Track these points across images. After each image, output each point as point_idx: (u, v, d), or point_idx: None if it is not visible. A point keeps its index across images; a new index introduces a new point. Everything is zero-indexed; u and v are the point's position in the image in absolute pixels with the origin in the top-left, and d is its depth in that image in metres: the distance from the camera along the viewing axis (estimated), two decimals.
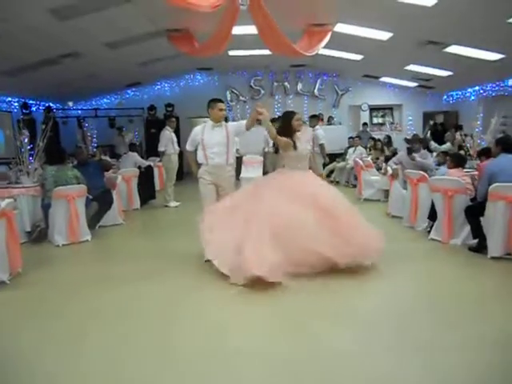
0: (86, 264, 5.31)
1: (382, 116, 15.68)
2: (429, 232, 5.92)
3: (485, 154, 6.29)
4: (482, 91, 12.35)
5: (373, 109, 15.41)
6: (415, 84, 14.00)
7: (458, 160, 5.94)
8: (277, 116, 11.40)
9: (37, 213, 6.31)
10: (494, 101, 11.30)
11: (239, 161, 10.08)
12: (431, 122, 12.93)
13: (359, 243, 4.26)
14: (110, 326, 3.45)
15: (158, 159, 10.09)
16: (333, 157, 11.07)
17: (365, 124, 14.12)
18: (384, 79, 14.45)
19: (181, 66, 13.14)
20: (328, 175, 5.90)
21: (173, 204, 8.95)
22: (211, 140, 5.08)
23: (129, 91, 15.22)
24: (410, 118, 15.26)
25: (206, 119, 5.39)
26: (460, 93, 13.78)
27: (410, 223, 6.40)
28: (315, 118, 9.45)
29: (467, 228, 5.31)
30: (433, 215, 5.79)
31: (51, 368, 2.86)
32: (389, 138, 11.30)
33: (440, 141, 10.57)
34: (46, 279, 4.63)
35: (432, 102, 14.97)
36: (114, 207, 7.07)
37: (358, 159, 9.67)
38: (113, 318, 3.62)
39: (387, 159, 8.71)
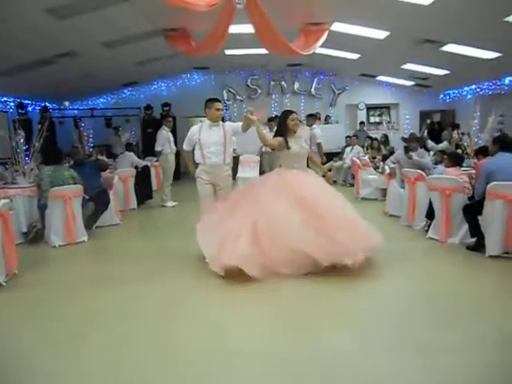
0: (83, 265, 5.29)
1: (379, 115, 15.70)
2: (426, 231, 5.93)
3: (482, 152, 6.29)
4: (478, 90, 12.38)
5: (370, 108, 15.43)
6: (412, 83, 14.02)
7: (455, 159, 5.95)
8: (274, 115, 11.40)
9: (33, 213, 6.28)
10: (490, 99, 11.33)
11: (236, 160, 10.05)
12: (428, 121, 12.94)
13: (344, 243, 4.19)
14: (109, 327, 3.44)
15: (155, 159, 10.05)
16: (330, 156, 11.06)
17: (362, 123, 14.13)
18: (381, 78, 14.46)
19: (177, 65, 13.11)
20: (323, 175, 5.93)
21: (170, 204, 8.93)
22: (208, 139, 5.07)
23: (125, 91, 15.17)
24: (407, 116, 15.28)
25: (203, 118, 5.37)
26: (457, 91, 13.80)
27: (408, 222, 6.40)
28: (312, 117, 9.44)
29: (465, 227, 5.30)
30: (430, 214, 5.79)
31: (51, 368, 2.85)
32: (386, 136, 11.30)
33: (437, 139, 10.58)
34: (42, 280, 4.60)
35: (429, 101, 14.99)
36: (111, 207, 7.04)
37: (355, 158, 9.67)
38: (112, 318, 3.60)
39: (385, 158, 8.71)
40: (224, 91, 15.07)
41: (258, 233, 4.33)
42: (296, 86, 15.15)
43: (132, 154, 9.50)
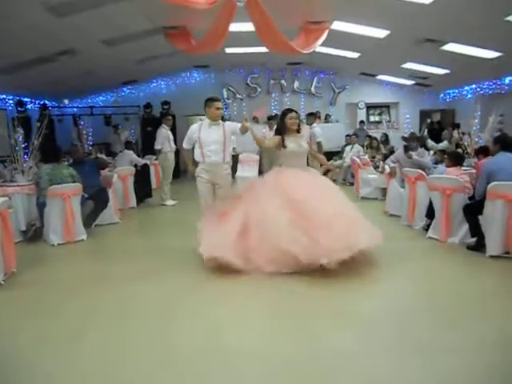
0: (82, 263, 5.27)
1: (379, 114, 15.70)
2: (426, 230, 5.93)
3: (482, 152, 6.28)
4: (478, 89, 12.36)
5: (370, 107, 15.42)
6: (412, 82, 14.00)
7: (455, 158, 5.93)
8: (274, 114, 11.38)
9: (32, 211, 6.26)
10: (490, 99, 11.31)
11: (235, 159, 10.04)
12: (428, 120, 12.93)
13: (323, 243, 4.15)
14: (108, 326, 3.42)
15: (155, 157, 10.03)
16: (330, 155, 11.03)
17: (362, 122, 14.12)
18: (381, 77, 14.44)
19: (177, 63, 13.08)
20: (325, 173, 5.94)
21: (169, 202, 8.91)
22: (208, 138, 5.10)
23: (125, 89, 15.14)
24: (407, 116, 15.26)
25: (203, 117, 5.37)
26: (457, 91, 13.79)
27: (408, 222, 6.38)
28: (312, 116, 9.43)
29: (465, 226, 5.29)
30: (430, 213, 5.77)
31: (49, 367, 2.83)
32: (386, 136, 11.27)
33: (437, 139, 10.57)
34: (41, 279, 4.58)
35: (429, 100, 14.98)
36: (110, 206, 7.02)
37: (355, 157, 9.66)
38: (111, 317, 3.59)
39: (385, 157, 8.69)
40: (224, 90, 15.04)
41: (249, 230, 4.48)
42: (296, 84, 15.13)
43: (131, 152, 9.47)
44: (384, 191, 8.18)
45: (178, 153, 9.34)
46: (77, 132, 12.95)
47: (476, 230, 5.06)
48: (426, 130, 11.95)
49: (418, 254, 5.17)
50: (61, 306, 3.84)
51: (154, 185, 10.66)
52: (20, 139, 6.56)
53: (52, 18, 7.23)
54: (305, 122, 9.26)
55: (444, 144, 9.93)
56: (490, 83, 11.69)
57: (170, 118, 9.54)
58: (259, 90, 15.17)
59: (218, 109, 5.15)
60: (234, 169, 8.06)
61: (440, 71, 11.82)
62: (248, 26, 8.23)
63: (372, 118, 15.63)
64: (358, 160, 9.35)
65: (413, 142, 7.31)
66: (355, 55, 11.78)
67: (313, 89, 15.14)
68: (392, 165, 7.31)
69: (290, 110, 5.05)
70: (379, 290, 4.15)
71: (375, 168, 9.15)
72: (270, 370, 2.72)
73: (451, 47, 9.45)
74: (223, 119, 5.67)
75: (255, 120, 14.26)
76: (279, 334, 3.22)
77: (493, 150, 5.34)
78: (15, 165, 6.47)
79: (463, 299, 3.78)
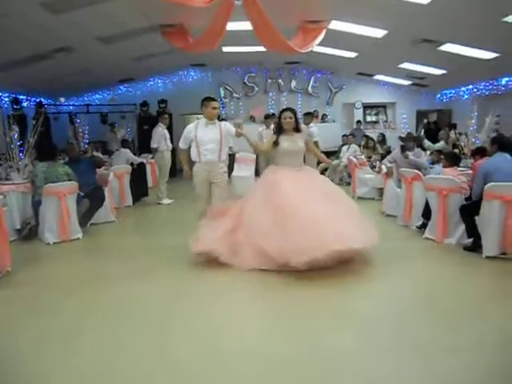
0: (78, 262, 5.23)
1: (376, 114, 15.70)
2: (419, 228, 5.98)
3: (479, 152, 6.27)
4: (475, 90, 12.39)
5: (366, 107, 15.42)
6: (409, 82, 14.02)
7: (452, 159, 5.93)
8: (271, 113, 11.37)
9: (27, 210, 6.21)
10: (487, 99, 11.33)
11: (232, 158, 10.01)
12: (425, 121, 12.94)
13: (296, 242, 4.17)
14: (104, 325, 3.40)
15: (151, 156, 9.99)
16: (327, 155, 10.98)
17: (358, 122, 14.12)
18: (378, 77, 14.45)
19: (174, 61, 13.05)
20: (321, 173, 6.00)
21: (166, 201, 8.88)
22: (204, 137, 5.15)
23: (121, 87, 15.09)
24: (404, 116, 15.28)
25: (200, 116, 5.41)
26: (453, 91, 13.81)
27: (405, 222, 6.38)
28: (310, 116, 9.41)
29: (462, 227, 5.29)
30: (427, 213, 5.77)
31: (46, 367, 2.82)
32: (383, 136, 11.28)
33: (433, 139, 10.58)
34: (36, 278, 4.55)
35: (426, 101, 15.01)
36: (106, 204, 6.99)
37: (351, 157, 9.65)
38: (107, 316, 3.57)
39: (382, 157, 8.69)
40: (221, 88, 15.01)
41: (240, 226, 4.66)
42: (293, 84, 15.12)
43: (128, 150, 9.44)
44: (381, 191, 8.18)
45: (174, 151, 9.31)
46: (73, 130, 12.89)
47: (472, 230, 5.06)
48: (423, 131, 11.96)
49: (415, 255, 5.17)
50: (57, 305, 3.82)
51: (150, 183, 10.62)
52: (15, 137, 6.51)
53: (48, 15, 7.19)
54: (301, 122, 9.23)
55: (441, 144, 9.94)
56: (487, 84, 11.72)
57: (167, 116, 9.52)
58: (256, 89, 15.15)
59: (215, 108, 5.23)
60: (230, 168, 8.04)
61: (437, 71, 11.84)
62: (245, 25, 8.21)
63: (369, 118, 15.64)
64: (354, 160, 9.34)
65: (409, 142, 7.33)
66: (352, 55, 11.78)
67: (310, 88, 15.13)
68: (389, 165, 7.31)
69: (285, 110, 5.10)
70: (377, 289, 4.15)
71: (372, 168, 9.16)
72: (269, 371, 2.71)
73: (448, 47, 9.46)
74: (220, 118, 5.68)
75: (252, 119, 14.25)
76: (278, 334, 3.21)
77: (490, 150, 5.34)
78: (10, 163, 6.43)
79: (461, 299, 3.78)
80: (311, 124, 9.07)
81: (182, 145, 5.37)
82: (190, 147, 5.32)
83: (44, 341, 3.16)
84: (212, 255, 4.60)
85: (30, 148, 6.58)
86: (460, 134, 8.78)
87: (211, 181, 5.18)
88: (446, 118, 14.15)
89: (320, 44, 9.79)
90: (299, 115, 11.66)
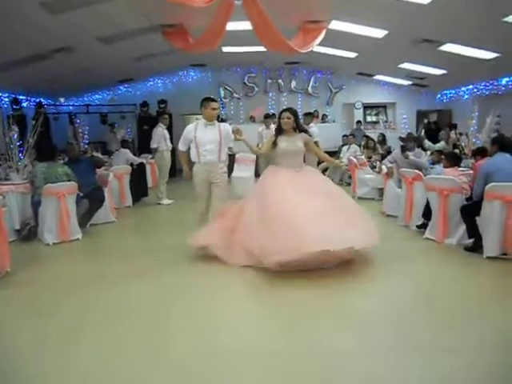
0: (77, 263, 5.21)
1: (376, 114, 15.69)
2: (419, 228, 5.98)
3: (480, 153, 6.26)
4: (475, 90, 12.37)
5: (366, 107, 15.40)
6: (409, 82, 14.01)
7: (453, 159, 5.92)
8: (271, 113, 11.37)
9: (26, 210, 6.19)
10: (487, 100, 11.32)
11: (232, 159, 10.00)
12: (425, 121, 12.92)
13: (281, 244, 4.17)
14: (103, 326, 3.38)
15: (151, 156, 9.98)
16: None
17: (359, 122, 14.11)
18: (378, 77, 14.44)
19: (174, 62, 13.04)
20: (322, 173, 6.06)
21: (165, 202, 8.86)
22: (204, 138, 5.15)
23: (121, 87, 15.08)
24: (405, 116, 15.26)
25: (199, 116, 5.40)
26: (454, 91, 13.80)
27: (405, 222, 6.36)
28: (310, 116, 9.40)
29: (462, 227, 5.28)
30: (427, 214, 5.76)
31: (46, 367, 2.80)
32: (383, 136, 11.26)
33: (433, 139, 10.56)
34: (36, 279, 4.53)
35: (426, 101, 14.99)
36: (106, 205, 6.97)
37: (352, 157, 9.64)
38: (107, 316, 3.55)
39: (383, 158, 8.68)
40: (221, 89, 15.00)
41: (239, 224, 4.74)
42: (293, 84, 15.11)
43: (127, 151, 9.43)
44: (381, 191, 8.16)
45: (174, 152, 9.29)
46: (72, 130, 12.90)
47: (473, 230, 5.04)
48: (423, 131, 11.94)
49: (415, 255, 5.16)
50: (56, 306, 3.80)
51: (150, 184, 10.60)
52: (15, 137, 6.50)
53: (48, 15, 7.17)
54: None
55: (441, 144, 9.92)
56: (487, 84, 11.70)
57: (167, 116, 9.51)
58: (256, 89, 15.14)
59: (214, 109, 5.23)
60: (230, 168, 8.02)
61: (437, 72, 11.83)
62: (245, 25, 8.20)
63: (369, 118, 15.62)
64: (354, 160, 9.33)
65: (410, 142, 7.31)
66: (352, 55, 11.76)
67: (310, 88, 15.12)
68: (389, 165, 7.30)
69: (284, 110, 5.11)
70: (377, 289, 4.13)
71: (372, 168, 9.15)
72: (268, 370, 2.70)
73: (449, 48, 9.45)
74: (219, 119, 5.68)
75: (252, 119, 14.25)
76: (277, 333, 3.20)
77: (491, 150, 5.33)
78: (10, 163, 6.41)
79: (462, 300, 3.76)
80: (311, 124, 9.06)
81: (181, 146, 5.38)
82: (189, 148, 5.32)
83: (44, 341, 3.14)
84: (209, 250, 4.77)
85: (29, 148, 6.57)
86: (460, 134, 8.77)
87: (211, 181, 5.19)
88: (447, 118, 14.14)
89: (320, 44, 9.78)
90: (299, 115, 11.72)
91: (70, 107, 14.59)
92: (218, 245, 4.71)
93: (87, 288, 4.20)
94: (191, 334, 3.20)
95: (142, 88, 15.10)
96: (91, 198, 6.51)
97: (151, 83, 15.15)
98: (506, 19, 7.34)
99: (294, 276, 4.20)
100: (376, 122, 15.37)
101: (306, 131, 5.27)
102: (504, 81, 10.96)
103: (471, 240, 5.10)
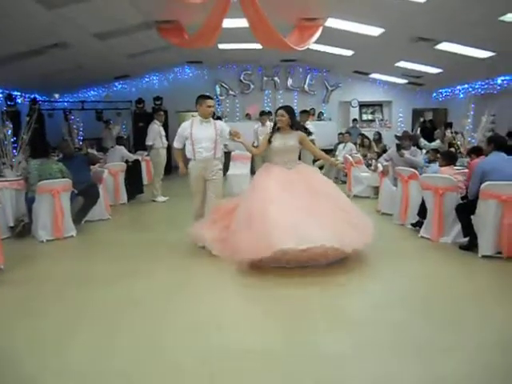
0: (71, 260, 5.19)
1: (372, 112, 15.69)
2: (413, 226, 6.00)
3: (475, 152, 6.26)
4: (470, 89, 12.39)
5: (362, 105, 15.39)
6: (405, 81, 14.01)
7: (449, 158, 5.93)
8: (267, 110, 11.35)
9: (20, 207, 6.17)
10: (482, 99, 11.33)
11: (228, 156, 9.99)
12: (421, 119, 12.94)
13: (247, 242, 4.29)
14: (97, 325, 3.36)
15: (146, 153, 9.94)
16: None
17: (355, 120, 14.11)
18: (374, 76, 14.44)
19: (170, 58, 12.98)
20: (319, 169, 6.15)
21: (161, 199, 8.83)
22: (199, 135, 5.18)
23: (117, 84, 14.98)
24: (400, 114, 15.27)
25: (195, 113, 5.40)
26: (449, 90, 13.81)
27: (400, 221, 6.37)
28: (305, 114, 9.39)
29: (458, 226, 5.29)
30: (422, 212, 5.76)
31: (38, 367, 2.78)
32: (379, 134, 11.27)
33: (429, 138, 10.58)
34: (30, 276, 4.50)
35: (421, 99, 14.99)
36: (101, 202, 6.94)
37: (347, 155, 9.64)
38: (100, 316, 3.53)
39: (378, 156, 8.69)
40: (217, 86, 14.95)
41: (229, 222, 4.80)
42: (289, 82, 15.08)
43: (123, 147, 9.37)
44: (376, 189, 8.17)
45: (169, 149, 9.26)
46: (67, 127, 12.78)
47: (468, 229, 5.05)
48: (419, 129, 11.96)
49: (411, 254, 5.16)
50: (50, 304, 3.78)
51: (145, 181, 10.58)
52: (9, 133, 6.46)
53: (43, 10, 7.10)
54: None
55: (437, 143, 9.94)
56: (483, 83, 11.72)
57: (162, 113, 9.46)
58: (252, 86, 15.09)
59: (210, 107, 5.25)
60: (226, 166, 8.00)
61: (433, 70, 11.84)
62: (242, 22, 8.17)
63: (365, 117, 15.62)
64: (350, 158, 9.33)
65: (405, 140, 7.30)
66: (349, 53, 11.75)
67: (306, 86, 15.10)
68: (385, 163, 7.30)
69: (278, 108, 5.14)
70: (373, 288, 4.12)
71: (367, 166, 9.15)
72: (266, 369, 2.70)
73: (445, 46, 9.44)
74: (215, 116, 5.67)
75: (248, 117, 14.22)
76: (274, 333, 3.19)
77: (486, 149, 5.33)
78: (4, 159, 6.37)
79: (459, 299, 3.77)
80: (307, 122, 9.05)
81: (176, 144, 5.40)
82: (184, 145, 5.33)
83: (37, 340, 3.12)
84: (205, 247, 4.89)
85: (23, 145, 6.53)
86: (456, 132, 8.78)
87: (206, 178, 5.22)
88: (442, 116, 14.16)
89: (316, 42, 9.77)
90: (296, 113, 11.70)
91: (65, 103, 14.49)
92: (214, 241, 4.77)
93: (81, 286, 4.17)
94: (186, 333, 3.19)
95: (137, 85, 15.03)
96: (86, 195, 6.48)
97: (147, 80, 15.07)
98: (502, 18, 7.34)
99: (289, 276, 4.20)
100: (372, 121, 15.39)
101: (305, 129, 5.29)
102: (500, 80, 10.97)
103: (466, 239, 5.12)
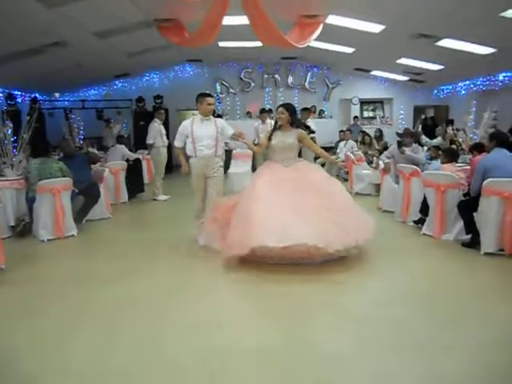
0: (72, 260, 5.18)
1: (373, 110, 15.65)
2: (415, 223, 5.98)
3: (477, 148, 6.24)
4: (472, 86, 12.35)
5: (363, 102, 15.36)
6: (406, 78, 13.96)
7: (450, 155, 5.91)
8: (267, 108, 11.33)
9: (21, 206, 6.15)
10: (484, 95, 11.30)
11: (229, 155, 9.97)
12: (422, 116, 12.90)
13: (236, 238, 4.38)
14: (99, 325, 3.34)
15: (147, 152, 9.92)
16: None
17: (356, 117, 14.08)
18: (375, 73, 14.40)
19: (170, 57, 12.96)
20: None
21: (161, 198, 8.82)
22: (200, 133, 5.17)
23: (117, 82, 14.97)
24: (401, 111, 15.23)
25: (196, 111, 5.40)
26: (450, 87, 13.77)
27: (402, 218, 6.35)
28: (307, 111, 9.36)
29: (460, 223, 5.27)
30: (424, 209, 5.74)
31: (39, 367, 2.77)
32: (380, 131, 11.24)
33: (430, 135, 10.55)
34: (31, 276, 4.49)
35: (422, 96, 14.96)
36: (102, 201, 6.93)
37: (349, 153, 9.62)
38: (101, 315, 3.51)
39: (380, 153, 8.66)
40: (217, 84, 14.92)
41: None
42: (290, 79, 15.04)
43: (123, 146, 9.36)
44: (378, 187, 8.15)
45: (170, 147, 9.25)
46: (68, 126, 12.78)
47: (471, 226, 5.03)
48: (420, 126, 11.93)
49: (413, 251, 5.15)
50: (51, 304, 3.76)
51: (146, 180, 10.56)
52: (9, 133, 6.45)
53: (42, 9, 7.08)
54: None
55: (438, 140, 9.91)
56: (484, 79, 11.68)
57: (163, 112, 9.44)
58: (253, 84, 15.06)
59: (210, 104, 5.25)
60: (227, 164, 7.98)
61: (434, 67, 11.79)
62: (242, 20, 8.14)
63: (366, 114, 15.58)
64: (352, 156, 9.30)
65: (407, 137, 7.27)
66: (350, 50, 11.70)
67: (307, 84, 15.06)
68: (386, 160, 7.28)
69: (279, 106, 5.16)
70: (374, 285, 4.11)
71: (369, 164, 9.13)
72: (265, 368, 2.68)
73: (446, 43, 9.40)
74: (215, 114, 5.66)
75: (249, 115, 14.20)
76: (273, 331, 3.17)
77: (489, 146, 5.30)
78: (4, 159, 6.36)
79: (461, 296, 3.75)
80: (308, 120, 9.02)
81: (177, 143, 5.40)
82: (185, 144, 5.31)
83: (38, 340, 3.11)
84: (208, 245, 4.94)
85: (24, 144, 6.53)
86: (458, 129, 8.75)
87: (207, 175, 5.22)
88: (443, 113, 14.12)
89: (317, 39, 9.72)
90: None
91: (66, 102, 14.48)
92: (216, 238, 4.79)
93: (81, 285, 4.16)
94: (186, 332, 3.18)
95: (137, 83, 15.01)
96: (86, 194, 6.46)
97: (147, 78, 15.05)
98: (503, 14, 7.30)
99: (288, 274, 4.19)
100: (373, 118, 15.36)
101: (307, 127, 5.29)
102: (501, 76, 10.94)
103: (468, 236, 5.10)
